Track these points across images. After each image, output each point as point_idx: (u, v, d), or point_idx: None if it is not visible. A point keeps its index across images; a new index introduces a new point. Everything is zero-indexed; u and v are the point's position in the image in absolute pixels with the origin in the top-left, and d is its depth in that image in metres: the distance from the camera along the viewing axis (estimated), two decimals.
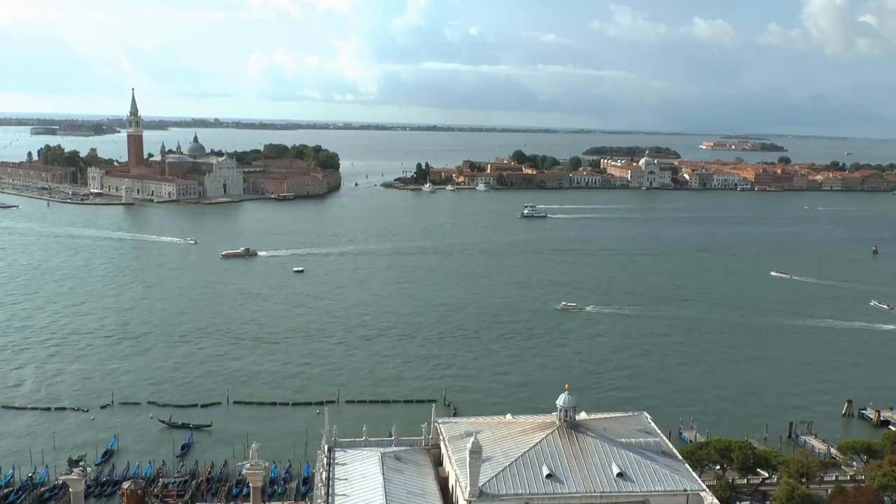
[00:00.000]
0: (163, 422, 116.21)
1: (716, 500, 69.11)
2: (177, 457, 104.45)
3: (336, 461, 75.96)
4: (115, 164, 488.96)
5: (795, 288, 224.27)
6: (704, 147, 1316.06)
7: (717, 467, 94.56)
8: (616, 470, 69.30)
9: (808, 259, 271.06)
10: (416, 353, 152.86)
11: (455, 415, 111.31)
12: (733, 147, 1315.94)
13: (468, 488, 65.90)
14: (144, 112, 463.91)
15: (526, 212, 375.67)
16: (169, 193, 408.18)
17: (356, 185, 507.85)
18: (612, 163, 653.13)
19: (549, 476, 68.41)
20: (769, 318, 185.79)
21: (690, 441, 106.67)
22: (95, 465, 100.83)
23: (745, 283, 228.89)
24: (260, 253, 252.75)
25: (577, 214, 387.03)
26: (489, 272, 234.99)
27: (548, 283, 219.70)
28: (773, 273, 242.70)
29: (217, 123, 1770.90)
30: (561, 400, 75.33)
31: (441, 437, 78.28)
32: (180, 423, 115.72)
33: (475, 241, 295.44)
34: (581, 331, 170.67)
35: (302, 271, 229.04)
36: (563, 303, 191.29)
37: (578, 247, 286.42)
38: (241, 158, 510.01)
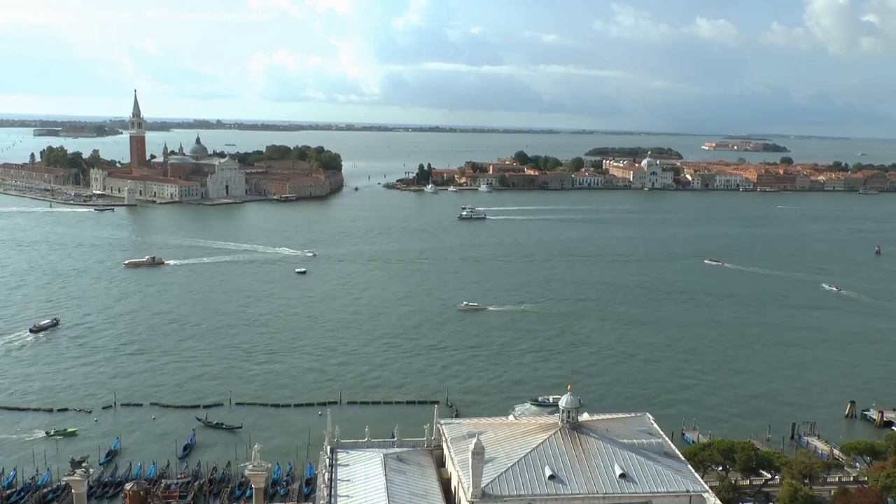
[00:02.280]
0: (199, 420, 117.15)
1: (718, 502, 68.97)
2: (179, 458, 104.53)
3: (338, 462, 75.98)
4: (118, 165, 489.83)
5: (749, 279, 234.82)
6: (706, 147, 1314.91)
7: (720, 468, 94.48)
8: (619, 471, 69.21)
9: (809, 260, 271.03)
10: (418, 353, 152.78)
11: (457, 416, 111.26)
12: (735, 147, 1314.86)
13: (471, 489, 65.85)
14: (147, 113, 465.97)
15: (464, 213, 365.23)
16: (171, 195, 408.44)
17: (356, 189, 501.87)
18: (615, 163, 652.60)
19: (551, 477, 68.33)
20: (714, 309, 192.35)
21: (693, 442, 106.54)
22: (99, 465, 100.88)
23: (683, 276, 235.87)
24: (168, 262, 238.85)
25: (517, 216, 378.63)
26: (480, 274, 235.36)
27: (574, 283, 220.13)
28: (705, 261, 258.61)
29: (219, 124, 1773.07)
30: (563, 401, 75.27)
31: (443, 438, 78.25)
32: (215, 422, 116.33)
33: (450, 244, 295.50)
34: (570, 332, 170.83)
35: (304, 272, 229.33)
36: (465, 302, 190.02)
37: (509, 251, 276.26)
38: (244, 159, 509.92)
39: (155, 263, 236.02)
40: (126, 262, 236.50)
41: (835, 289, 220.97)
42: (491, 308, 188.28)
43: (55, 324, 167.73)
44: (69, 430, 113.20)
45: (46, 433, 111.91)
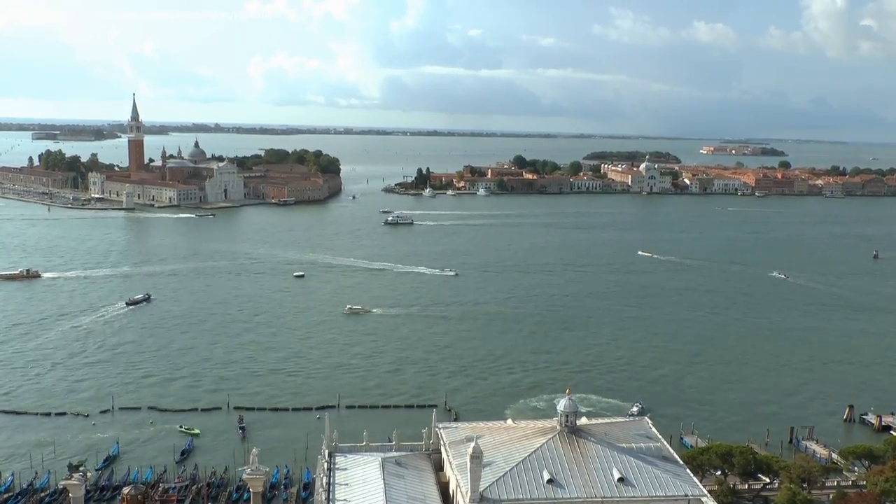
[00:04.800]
0: (240, 419, 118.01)
1: None
2: (177, 462, 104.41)
3: (337, 466, 75.98)
4: (116, 169, 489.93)
5: (695, 272, 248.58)
6: (704, 151, 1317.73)
7: (719, 472, 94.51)
8: (617, 475, 69.22)
9: (811, 261, 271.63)
10: (417, 356, 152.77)
11: (456, 420, 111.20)
12: (733, 152, 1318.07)
13: (469, 493, 65.84)
14: (147, 117, 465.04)
15: (390, 219, 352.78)
16: (170, 199, 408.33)
17: (353, 197, 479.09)
18: (613, 167, 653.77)
19: (549, 481, 68.33)
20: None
21: (691, 446, 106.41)
22: (96, 470, 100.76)
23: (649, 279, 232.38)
24: (44, 274, 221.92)
25: (448, 221, 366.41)
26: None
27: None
28: (639, 252, 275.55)
29: (217, 128, 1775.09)
30: (561, 405, 75.28)
31: (442, 442, 78.24)
32: (241, 425, 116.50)
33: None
34: (568, 335, 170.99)
35: (302, 276, 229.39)
36: (349, 306, 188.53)
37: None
38: (242, 163, 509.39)
39: (30, 276, 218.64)
40: None
41: (783, 276, 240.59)
42: (375, 311, 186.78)
43: (147, 298, 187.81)
44: (194, 430, 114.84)
45: (178, 428, 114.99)
